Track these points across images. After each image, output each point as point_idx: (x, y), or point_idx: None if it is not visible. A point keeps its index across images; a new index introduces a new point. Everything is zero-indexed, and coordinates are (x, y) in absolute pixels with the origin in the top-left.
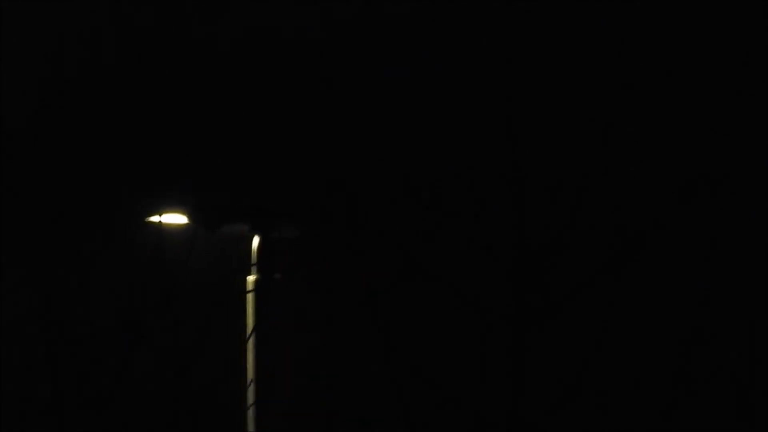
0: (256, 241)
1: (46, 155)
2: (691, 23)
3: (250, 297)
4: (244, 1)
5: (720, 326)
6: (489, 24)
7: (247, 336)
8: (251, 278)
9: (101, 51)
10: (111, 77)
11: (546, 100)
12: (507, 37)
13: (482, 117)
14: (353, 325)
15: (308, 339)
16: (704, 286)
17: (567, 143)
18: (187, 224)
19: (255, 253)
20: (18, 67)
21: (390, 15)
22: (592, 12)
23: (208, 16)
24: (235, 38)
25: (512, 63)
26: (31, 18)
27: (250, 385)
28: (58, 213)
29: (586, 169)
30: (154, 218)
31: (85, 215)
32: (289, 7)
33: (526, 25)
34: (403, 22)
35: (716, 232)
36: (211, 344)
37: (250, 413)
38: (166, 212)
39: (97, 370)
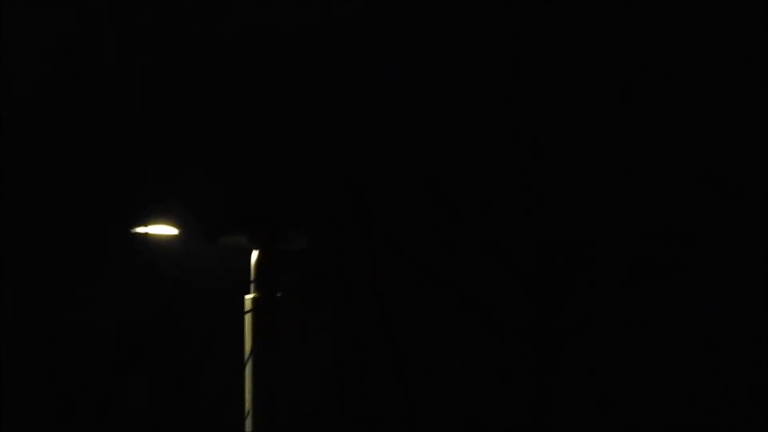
0: (255, 254)
1: (28, 159)
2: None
3: (248, 318)
4: (244, 2)
5: (749, 339)
6: (489, 24)
7: (245, 361)
8: (249, 297)
9: (91, 55)
10: (97, 76)
11: (566, 106)
12: (509, 37)
13: (500, 123)
14: (366, 349)
15: (315, 364)
16: (731, 299)
17: (588, 151)
18: (178, 236)
19: (254, 268)
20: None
21: (390, 15)
22: (593, 12)
23: (208, 17)
24: (236, 38)
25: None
26: (19, 19)
27: (247, 416)
28: (40, 223)
29: (609, 179)
30: (141, 229)
31: (67, 226)
32: (289, 7)
33: (527, 25)
34: (403, 22)
35: (742, 245)
36: (209, 368)
37: None
38: (154, 222)
39: (85, 395)
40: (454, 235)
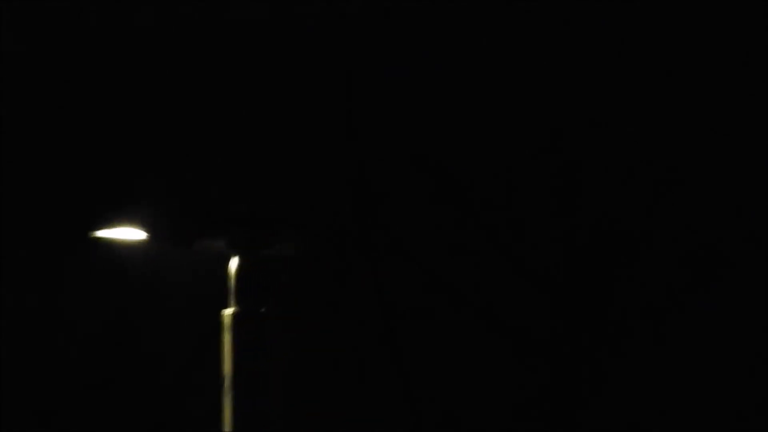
0: (234, 261)
1: None
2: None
3: (227, 336)
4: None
5: None
6: (489, 24)
7: (223, 386)
8: (228, 312)
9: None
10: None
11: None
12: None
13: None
14: (367, 371)
15: (305, 389)
16: None
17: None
18: (145, 240)
19: (234, 278)
20: None
21: (390, 14)
22: (593, 12)
23: (197, 11)
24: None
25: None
26: None
27: None
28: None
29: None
30: (103, 233)
31: (21, 230)
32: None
33: (528, 24)
34: (403, 22)
35: None
36: (181, 394)
37: None
38: (118, 225)
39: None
40: (467, 238)
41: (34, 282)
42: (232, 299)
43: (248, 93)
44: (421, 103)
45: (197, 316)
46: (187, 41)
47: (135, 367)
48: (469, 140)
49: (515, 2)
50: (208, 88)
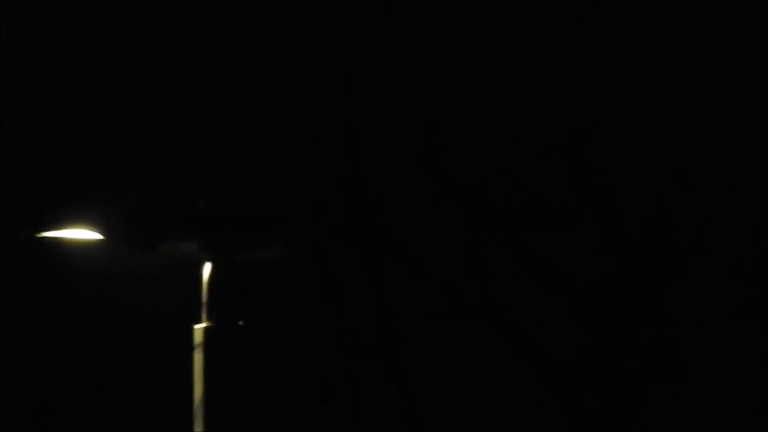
0: (207, 268)
1: None
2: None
3: (197, 355)
4: None
5: None
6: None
7: (194, 413)
8: (200, 327)
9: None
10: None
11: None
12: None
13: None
14: (364, 399)
15: (288, 413)
16: None
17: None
18: (101, 242)
19: (206, 287)
20: None
21: (389, 14)
22: (594, 12)
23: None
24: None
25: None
26: None
27: None
28: None
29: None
30: (51, 234)
31: None
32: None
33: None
34: (403, 22)
35: None
36: (146, 421)
37: None
38: (67, 225)
39: None
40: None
41: None
42: (204, 312)
43: (234, 87)
44: (421, 103)
45: (163, 331)
46: (185, 40)
47: (86, 389)
48: (483, 140)
49: (515, 2)
50: (187, 80)
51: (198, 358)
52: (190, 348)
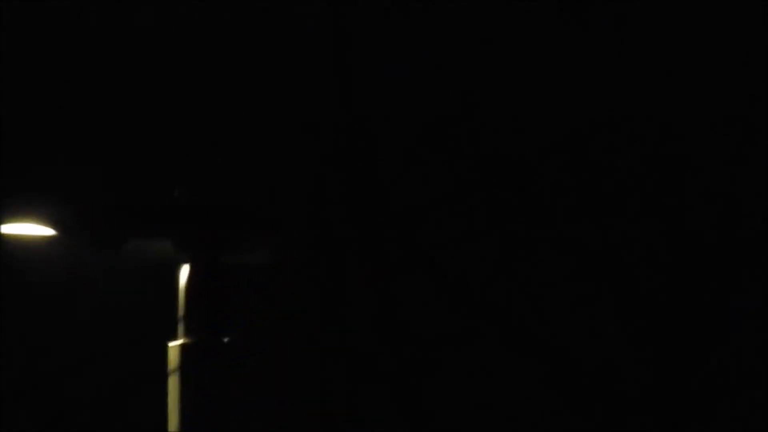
0: (185, 272)
1: None
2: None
3: (172, 377)
4: None
5: None
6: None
7: None
8: (175, 344)
9: None
10: None
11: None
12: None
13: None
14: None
15: None
16: None
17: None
18: (54, 238)
19: (183, 296)
20: None
21: (389, 14)
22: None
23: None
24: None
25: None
26: None
27: None
28: None
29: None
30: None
31: None
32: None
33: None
34: (403, 21)
35: None
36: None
37: None
38: (18, 219)
39: None
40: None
41: None
42: (181, 326)
43: (230, 82)
44: (421, 103)
45: (131, 349)
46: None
47: (32, 418)
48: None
49: (515, 2)
50: (179, 72)
51: (173, 381)
52: (163, 370)
